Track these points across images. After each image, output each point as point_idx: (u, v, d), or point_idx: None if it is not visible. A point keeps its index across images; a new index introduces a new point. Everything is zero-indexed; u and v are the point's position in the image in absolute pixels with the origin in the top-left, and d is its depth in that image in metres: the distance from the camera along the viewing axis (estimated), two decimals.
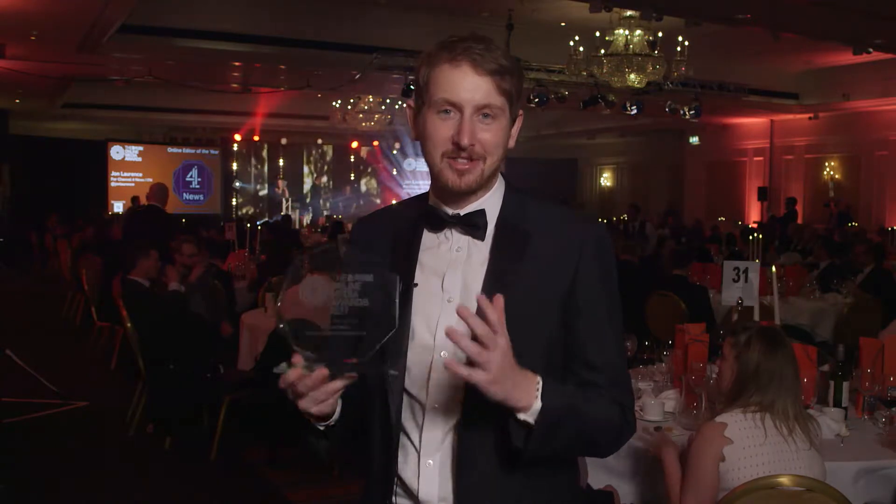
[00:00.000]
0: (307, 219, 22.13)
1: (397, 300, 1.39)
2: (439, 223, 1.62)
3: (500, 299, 1.37)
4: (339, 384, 1.41)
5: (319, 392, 1.41)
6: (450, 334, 1.34)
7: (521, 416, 1.43)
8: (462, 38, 1.55)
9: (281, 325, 1.41)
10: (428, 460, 1.56)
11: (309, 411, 1.44)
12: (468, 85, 1.52)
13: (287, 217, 18.57)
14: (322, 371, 1.38)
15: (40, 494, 4.66)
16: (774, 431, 2.51)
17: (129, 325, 5.31)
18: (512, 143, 1.62)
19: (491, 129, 1.54)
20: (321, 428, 1.53)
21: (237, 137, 22.34)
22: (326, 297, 1.40)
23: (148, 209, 8.30)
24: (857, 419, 3.32)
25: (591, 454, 1.72)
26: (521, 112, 1.63)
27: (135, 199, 18.71)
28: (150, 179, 21.15)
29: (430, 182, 1.65)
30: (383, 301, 1.39)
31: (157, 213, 8.12)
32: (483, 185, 1.59)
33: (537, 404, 1.42)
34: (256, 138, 22.61)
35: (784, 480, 2.37)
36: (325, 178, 24.39)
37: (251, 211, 22.94)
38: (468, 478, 1.53)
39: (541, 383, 1.43)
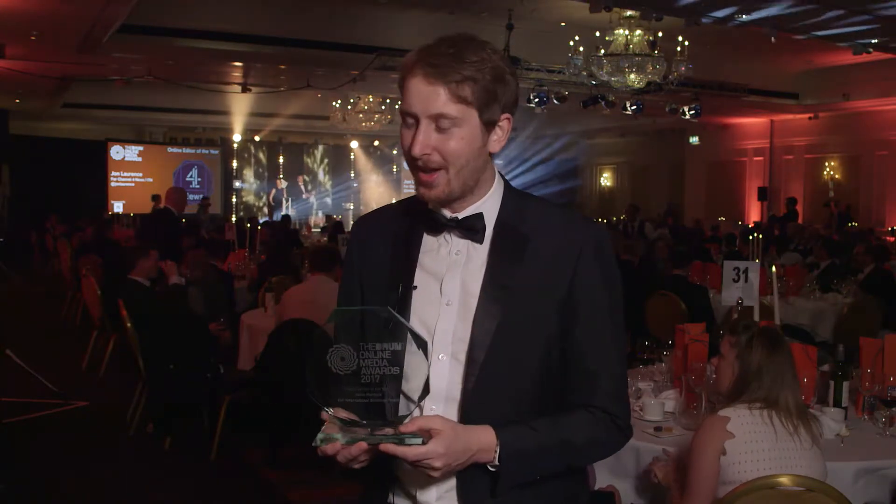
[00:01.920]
0: (311, 219, 22.12)
1: (429, 365, 1.43)
2: (438, 227, 1.61)
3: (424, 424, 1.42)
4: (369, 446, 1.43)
5: (360, 459, 1.45)
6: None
7: (490, 468, 1.49)
8: (435, 43, 1.52)
9: (310, 392, 1.43)
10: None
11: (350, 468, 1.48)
12: (420, 94, 1.50)
13: (287, 217, 18.56)
14: (361, 446, 1.41)
15: (40, 494, 4.65)
16: (780, 427, 2.52)
17: (128, 325, 5.31)
18: (495, 148, 1.58)
19: (451, 138, 1.51)
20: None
21: (237, 138, 22.34)
22: (356, 366, 1.41)
23: (158, 212, 8.62)
24: (857, 419, 3.32)
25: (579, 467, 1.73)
26: (506, 115, 1.57)
27: (155, 198, 18.79)
28: (151, 179, 21.25)
29: None
30: (415, 367, 1.43)
31: (166, 216, 8.35)
32: (459, 194, 1.57)
33: (496, 460, 1.48)
34: (257, 138, 22.61)
35: (784, 480, 2.37)
36: (325, 178, 24.37)
37: (256, 204, 22.91)
38: (468, 479, 1.53)
39: (499, 446, 1.47)
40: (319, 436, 1.43)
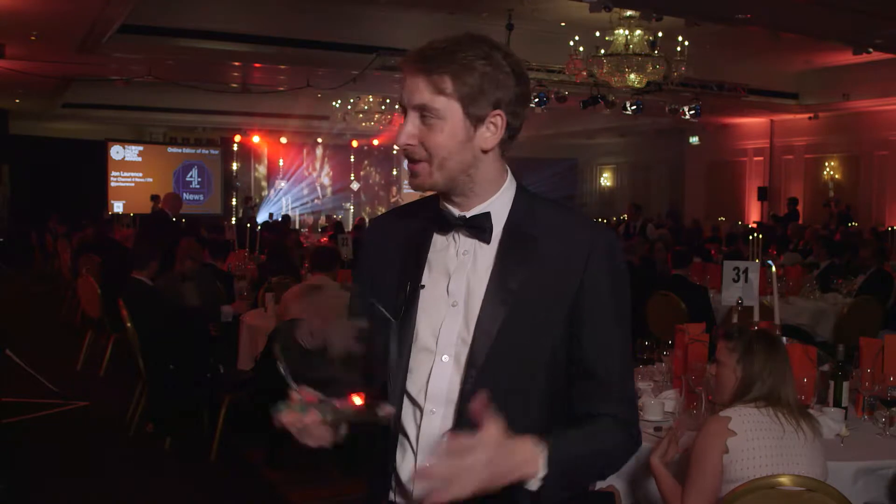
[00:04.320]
0: (310, 219, 22.12)
1: (395, 346, 1.43)
2: (446, 225, 1.61)
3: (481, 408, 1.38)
4: (331, 421, 1.44)
5: (314, 432, 1.45)
6: (420, 477, 1.39)
7: (527, 486, 1.43)
8: (436, 39, 1.54)
9: (280, 367, 1.43)
10: (425, 462, 1.55)
11: (306, 444, 1.47)
12: (407, 86, 1.54)
13: (287, 217, 18.57)
14: (313, 416, 1.41)
15: (40, 494, 4.65)
16: (785, 422, 2.54)
17: (129, 324, 5.31)
18: (487, 145, 1.55)
19: (433, 130, 1.52)
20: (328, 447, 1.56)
21: (237, 138, 22.34)
22: (323, 340, 1.42)
23: (154, 214, 8.89)
24: (857, 419, 3.32)
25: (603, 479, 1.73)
26: (498, 112, 1.54)
27: (154, 198, 18.87)
28: (150, 179, 21.25)
29: None
30: (380, 346, 1.44)
31: (160, 217, 8.59)
32: (452, 188, 1.57)
33: (541, 472, 1.43)
34: (257, 138, 22.62)
35: (784, 480, 2.37)
36: (325, 179, 24.37)
37: (257, 200, 22.93)
38: None
39: (544, 451, 1.43)
40: (279, 405, 1.43)
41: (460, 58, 1.50)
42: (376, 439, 1.62)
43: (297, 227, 19.28)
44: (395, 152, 24.22)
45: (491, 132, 1.56)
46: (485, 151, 1.57)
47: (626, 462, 1.64)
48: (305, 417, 1.42)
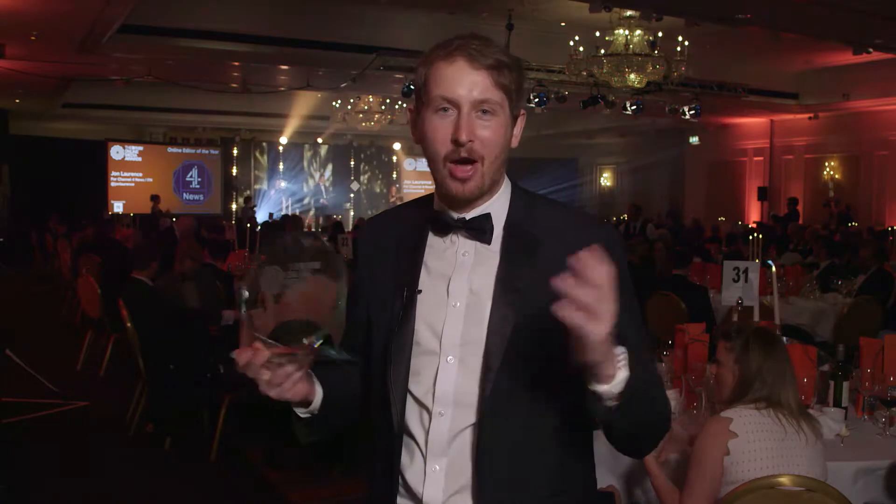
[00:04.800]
0: (308, 219, 22.13)
1: (344, 288, 1.40)
2: (445, 228, 1.59)
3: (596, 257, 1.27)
4: (289, 369, 1.40)
5: (275, 376, 1.40)
6: (560, 285, 1.25)
7: (602, 387, 1.36)
8: (459, 37, 1.53)
9: (242, 313, 1.41)
10: (434, 465, 1.55)
11: (269, 395, 1.43)
12: (464, 80, 1.49)
13: (286, 217, 18.56)
14: (258, 347, 1.37)
15: (40, 494, 4.65)
16: (785, 423, 2.53)
17: (129, 324, 5.31)
18: (515, 143, 1.58)
19: (490, 126, 1.51)
20: (301, 415, 1.55)
21: (237, 138, 22.34)
22: (281, 286, 1.41)
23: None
24: (857, 419, 3.32)
25: (645, 444, 1.62)
26: (523, 112, 1.59)
27: (154, 198, 18.90)
28: (150, 179, 21.25)
29: (429, 182, 1.64)
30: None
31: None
32: (487, 189, 1.56)
33: (622, 373, 1.36)
34: (257, 139, 22.63)
35: (784, 480, 2.37)
36: (324, 179, 24.37)
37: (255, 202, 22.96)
38: (485, 478, 1.52)
39: (624, 352, 1.36)
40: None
41: (507, 55, 1.51)
42: (378, 440, 1.62)
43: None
44: (394, 159, 24.25)
45: (517, 131, 1.58)
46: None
47: (662, 435, 1.58)
48: (256, 354, 1.37)
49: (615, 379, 1.36)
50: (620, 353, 1.36)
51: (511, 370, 1.51)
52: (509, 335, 1.51)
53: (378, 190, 24.87)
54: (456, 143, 1.49)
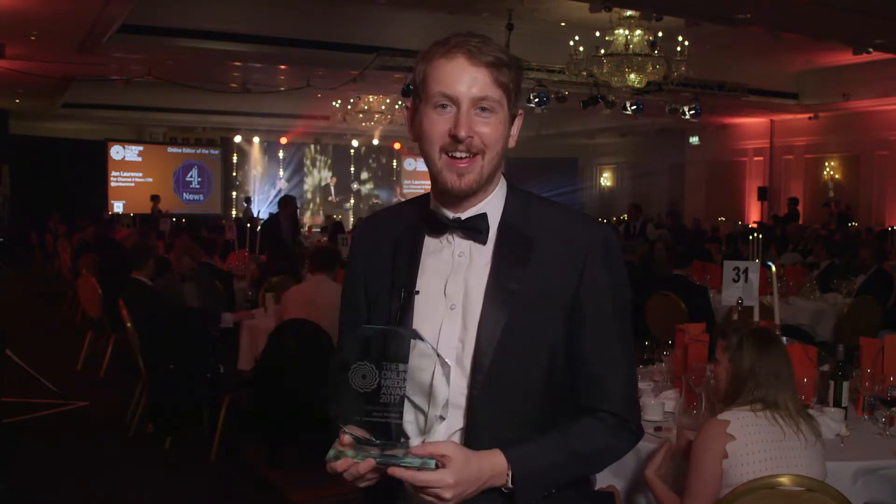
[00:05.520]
0: (307, 219, 22.11)
1: (448, 385, 1.42)
2: (440, 228, 1.58)
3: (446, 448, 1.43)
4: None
5: (367, 477, 1.45)
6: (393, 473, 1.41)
7: (504, 489, 1.48)
8: (458, 34, 1.53)
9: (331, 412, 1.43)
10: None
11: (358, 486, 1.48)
12: (464, 77, 1.49)
13: (283, 199, 18.49)
14: (369, 463, 1.41)
15: (40, 495, 4.65)
16: (784, 425, 2.53)
17: (129, 324, 5.31)
18: (512, 143, 1.58)
19: (489, 123, 1.51)
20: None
21: (237, 138, 22.33)
22: (376, 385, 1.41)
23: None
24: (857, 419, 3.32)
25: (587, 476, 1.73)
26: (520, 111, 1.59)
27: (154, 198, 18.88)
28: (150, 179, 21.25)
29: (429, 182, 1.63)
30: (437, 389, 1.44)
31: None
32: (483, 186, 1.56)
33: (509, 484, 1.47)
34: (257, 139, 22.61)
35: (784, 480, 2.37)
36: (324, 179, 24.36)
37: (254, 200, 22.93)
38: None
39: (510, 469, 1.46)
40: (331, 451, 1.43)
41: (506, 52, 1.52)
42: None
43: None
44: (394, 161, 24.22)
45: (514, 131, 1.59)
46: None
47: (616, 458, 1.64)
48: (360, 465, 1.41)
49: (506, 485, 1.48)
50: (507, 470, 1.46)
51: (502, 370, 1.51)
52: (499, 336, 1.51)
53: (378, 190, 24.83)
54: (454, 138, 1.49)
